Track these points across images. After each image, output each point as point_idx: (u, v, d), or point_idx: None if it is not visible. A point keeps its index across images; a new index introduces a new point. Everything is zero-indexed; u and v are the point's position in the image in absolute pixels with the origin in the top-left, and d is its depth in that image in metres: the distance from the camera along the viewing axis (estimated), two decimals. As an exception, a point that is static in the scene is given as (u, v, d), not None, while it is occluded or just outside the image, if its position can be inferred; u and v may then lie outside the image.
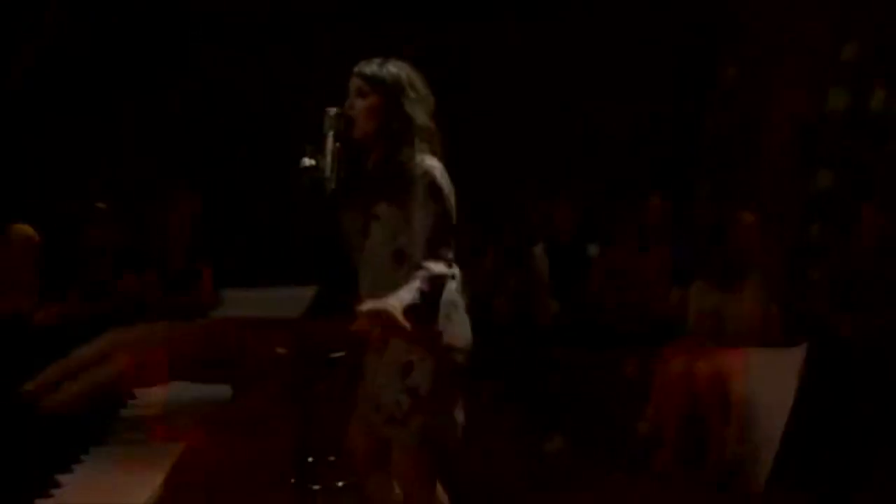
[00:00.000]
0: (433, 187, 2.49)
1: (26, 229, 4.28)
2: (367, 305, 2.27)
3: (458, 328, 2.61)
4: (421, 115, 2.59)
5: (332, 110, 2.55)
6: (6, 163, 4.98)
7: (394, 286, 2.43)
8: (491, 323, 5.34)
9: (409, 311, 2.29)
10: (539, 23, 6.26)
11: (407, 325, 2.25)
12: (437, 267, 2.44)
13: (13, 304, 4.17)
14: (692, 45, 6.12)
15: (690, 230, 4.95)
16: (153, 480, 1.73)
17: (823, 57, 5.40)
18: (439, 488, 2.68)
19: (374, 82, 2.56)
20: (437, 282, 2.44)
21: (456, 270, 2.55)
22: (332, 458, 3.39)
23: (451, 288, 2.60)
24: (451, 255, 2.50)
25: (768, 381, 4.06)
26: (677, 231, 4.91)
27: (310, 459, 3.26)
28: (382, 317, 2.23)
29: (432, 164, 2.53)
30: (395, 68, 2.58)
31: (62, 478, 1.74)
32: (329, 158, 2.52)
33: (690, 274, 4.50)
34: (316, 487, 3.26)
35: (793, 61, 5.47)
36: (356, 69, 2.59)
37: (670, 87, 6.20)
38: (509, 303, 5.40)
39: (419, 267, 2.43)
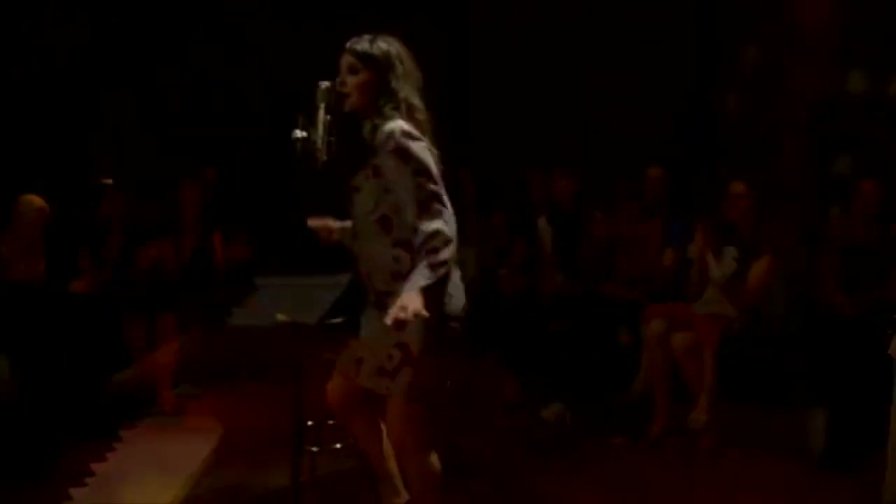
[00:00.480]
0: (398, 148, 2.53)
1: (36, 200, 4.41)
2: (391, 317, 2.40)
3: (451, 296, 2.70)
4: (407, 89, 2.67)
5: (324, 84, 2.65)
6: (22, 140, 5.12)
7: (384, 253, 2.59)
8: (497, 293, 5.46)
9: (427, 290, 2.43)
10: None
11: (426, 314, 2.38)
12: (432, 224, 2.48)
13: (25, 271, 4.32)
14: (709, 21, 6.12)
15: (689, 203, 4.99)
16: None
17: (842, 39, 5.38)
18: (432, 451, 2.78)
19: (365, 58, 2.64)
20: (438, 238, 2.48)
21: (451, 217, 2.53)
22: (330, 422, 3.50)
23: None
24: (440, 205, 2.51)
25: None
26: (676, 203, 4.96)
27: (309, 423, 3.39)
28: (410, 321, 2.38)
29: (394, 125, 2.56)
30: (384, 45, 2.66)
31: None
32: (320, 130, 2.63)
33: (685, 244, 4.58)
34: (315, 449, 3.38)
35: (811, 43, 5.43)
36: (348, 45, 2.67)
37: (685, 63, 6.20)
38: (514, 274, 5.51)
39: (414, 230, 2.51)
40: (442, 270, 2.49)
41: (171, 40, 6.36)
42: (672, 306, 4.47)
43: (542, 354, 4.92)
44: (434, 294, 2.52)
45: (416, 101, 2.69)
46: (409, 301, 2.40)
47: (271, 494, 3.55)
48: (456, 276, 2.72)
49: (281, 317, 3.53)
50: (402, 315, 2.37)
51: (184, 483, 3.76)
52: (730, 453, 4.05)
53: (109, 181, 5.06)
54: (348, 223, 2.81)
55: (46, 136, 5.60)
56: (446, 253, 2.50)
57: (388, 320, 2.39)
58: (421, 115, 2.68)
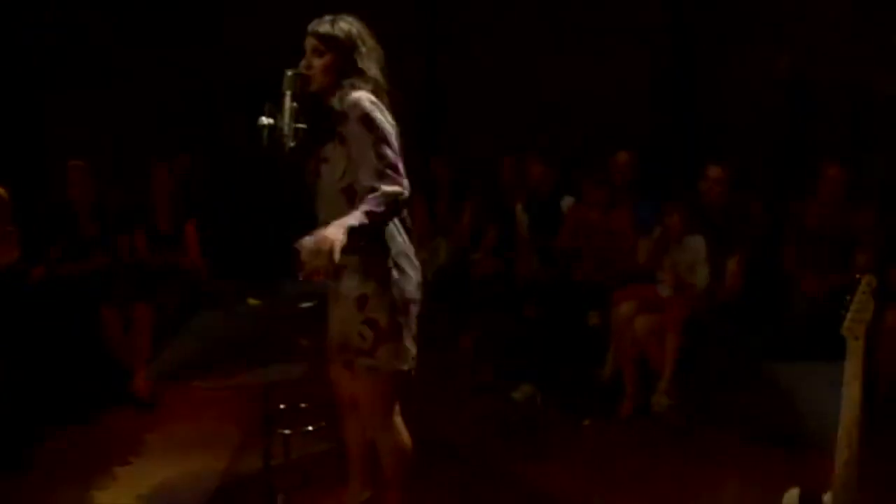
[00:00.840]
0: (363, 117, 2.59)
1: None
2: (304, 245, 2.43)
3: (409, 277, 2.75)
4: (372, 67, 2.72)
5: (290, 72, 2.68)
6: None
7: None
8: (470, 278, 5.52)
9: (354, 231, 2.45)
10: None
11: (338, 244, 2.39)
12: (392, 188, 2.55)
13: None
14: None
15: (663, 186, 5.04)
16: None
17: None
18: (403, 427, 2.85)
19: (328, 40, 2.69)
20: (390, 198, 2.54)
21: (407, 187, 2.59)
22: (302, 405, 3.55)
23: (402, 240, 2.76)
24: (399, 176, 2.57)
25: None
26: (647, 187, 5.02)
27: (282, 406, 3.43)
28: (321, 253, 2.40)
29: (358, 95, 2.63)
30: (346, 25, 2.71)
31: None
32: (287, 117, 2.65)
33: (651, 227, 4.64)
34: (287, 432, 3.42)
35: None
36: (310, 28, 2.71)
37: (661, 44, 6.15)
38: (487, 259, 5.56)
39: (370, 189, 2.56)
40: (376, 221, 2.53)
41: (147, 28, 6.31)
42: (640, 289, 4.53)
43: (514, 338, 4.98)
44: (372, 251, 2.63)
45: (381, 78, 2.75)
46: (330, 232, 2.42)
47: (245, 477, 3.59)
48: (412, 256, 2.78)
49: (252, 301, 3.59)
50: (311, 246, 2.42)
51: (159, 467, 3.81)
52: (697, 432, 4.12)
53: (79, 163, 5.01)
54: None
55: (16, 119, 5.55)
56: (389, 213, 2.58)
57: (302, 249, 2.43)
58: (384, 94, 2.74)
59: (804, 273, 4.42)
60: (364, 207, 2.52)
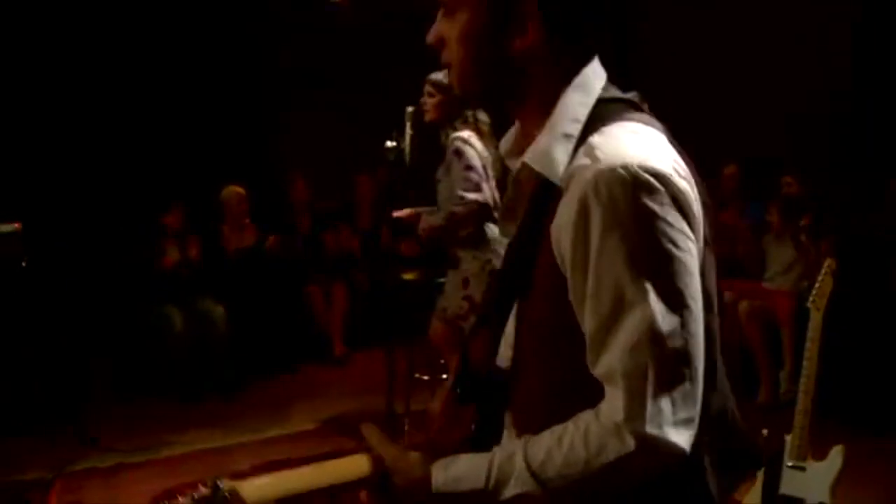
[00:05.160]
0: (456, 151, 3.63)
1: (238, 188, 5.80)
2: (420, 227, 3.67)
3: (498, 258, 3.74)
4: (472, 108, 3.70)
5: (410, 108, 3.74)
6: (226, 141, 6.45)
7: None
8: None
9: (437, 230, 3.57)
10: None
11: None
12: (469, 195, 3.58)
13: (237, 243, 5.77)
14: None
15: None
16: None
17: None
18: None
19: (439, 87, 3.70)
20: (469, 205, 3.58)
21: (476, 197, 3.59)
22: (442, 361, 4.57)
23: (494, 236, 3.72)
24: (478, 190, 3.58)
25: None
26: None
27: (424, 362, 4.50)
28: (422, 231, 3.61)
29: (459, 135, 3.65)
30: None
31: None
32: (407, 141, 3.73)
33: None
34: (425, 378, 4.47)
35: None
36: (428, 77, 3.73)
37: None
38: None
39: (456, 201, 3.61)
40: (454, 226, 3.59)
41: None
42: (743, 283, 5.10)
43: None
44: (473, 244, 3.66)
45: (482, 115, 3.72)
46: (425, 220, 3.61)
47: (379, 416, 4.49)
48: (501, 247, 3.72)
49: (408, 276, 4.64)
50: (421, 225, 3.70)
51: (339, 406, 5.02)
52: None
53: (297, 173, 6.35)
54: (424, 209, 3.90)
55: (247, 133, 6.69)
56: (466, 218, 3.58)
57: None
58: (484, 126, 3.71)
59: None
60: (444, 213, 3.63)
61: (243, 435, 4.61)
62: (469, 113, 3.69)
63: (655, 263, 1.04)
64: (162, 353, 5.19)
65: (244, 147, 6.45)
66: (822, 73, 5.72)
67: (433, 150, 3.78)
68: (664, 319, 1.04)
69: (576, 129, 1.13)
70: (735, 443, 1.21)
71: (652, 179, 1.04)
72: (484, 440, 1.26)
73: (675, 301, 1.05)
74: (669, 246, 1.04)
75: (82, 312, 4.98)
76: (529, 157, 1.16)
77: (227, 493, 1.10)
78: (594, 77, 1.19)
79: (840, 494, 2.89)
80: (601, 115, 1.14)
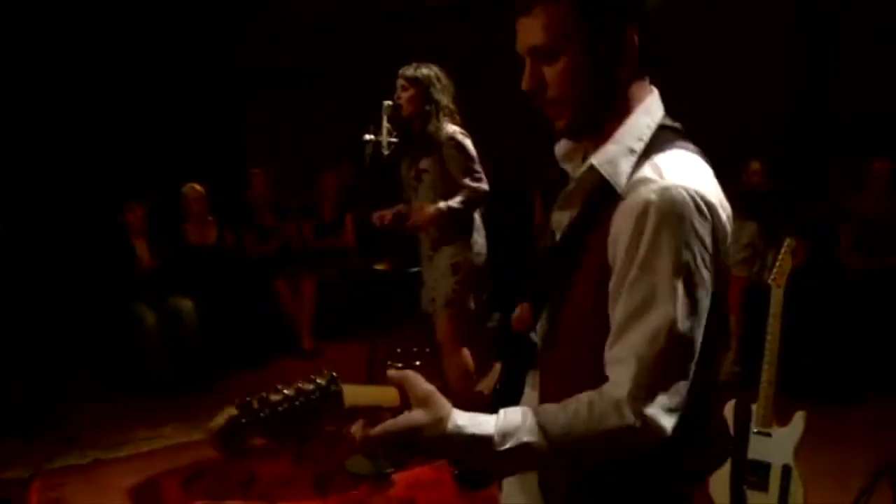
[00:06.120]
0: (457, 145, 3.77)
1: (197, 186, 5.82)
2: (412, 219, 3.73)
3: (482, 248, 3.90)
4: (445, 98, 3.83)
5: (386, 103, 3.86)
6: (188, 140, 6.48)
7: None
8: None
9: (451, 211, 3.70)
10: None
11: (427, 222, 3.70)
12: (475, 184, 3.77)
13: (199, 238, 5.81)
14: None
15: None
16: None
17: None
18: (468, 354, 3.95)
19: (412, 81, 3.82)
20: (476, 192, 3.77)
21: (485, 186, 3.80)
22: (414, 349, 4.70)
23: (479, 223, 3.89)
24: (482, 180, 3.79)
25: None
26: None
27: (398, 350, 4.61)
28: (426, 213, 3.70)
29: (452, 129, 3.79)
30: (425, 69, 3.83)
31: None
32: (384, 134, 3.84)
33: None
34: (399, 366, 4.57)
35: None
36: (400, 72, 3.85)
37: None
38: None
39: (462, 187, 3.75)
40: (466, 210, 3.75)
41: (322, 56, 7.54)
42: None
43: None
44: (462, 230, 3.82)
45: (453, 106, 3.86)
46: (431, 208, 3.69)
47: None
48: (481, 227, 3.89)
49: (379, 266, 4.75)
50: (418, 220, 3.73)
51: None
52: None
53: (258, 170, 6.39)
54: (399, 207, 4.03)
55: (209, 131, 6.69)
56: (476, 202, 3.79)
57: (413, 218, 3.75)
58: (456, 115, 3.85)
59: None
60: (459, 198, 3.74)
61: (219, 428, 4.66)
62: (445, 104, 3.82)
63: (688, 274, 1.24)
64: (135, 349, 5.21)
65: (206, 145, 6.48)
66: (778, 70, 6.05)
67: (408, 143, 3.90)
68: (683, 321, 1.24)
69: (640, 147, 1.33)
70: (713, 434, 1.45)
71: (704, 207, 1.25)
72: (506, 395, 1.48)
73: (693, 309, 1.25)
74: (701, 264, 1.25)
75: (57, 312, 4.98)
76: (597, 161, 1.33)
77: (336, 386, 1.26)
78: (657, 105, 1.39)
79: (802, 458, 3.11)
80: (660, 138, 1.34)
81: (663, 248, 1.22)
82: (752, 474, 3.12)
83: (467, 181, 3.76)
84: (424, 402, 1.26)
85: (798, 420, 3.12)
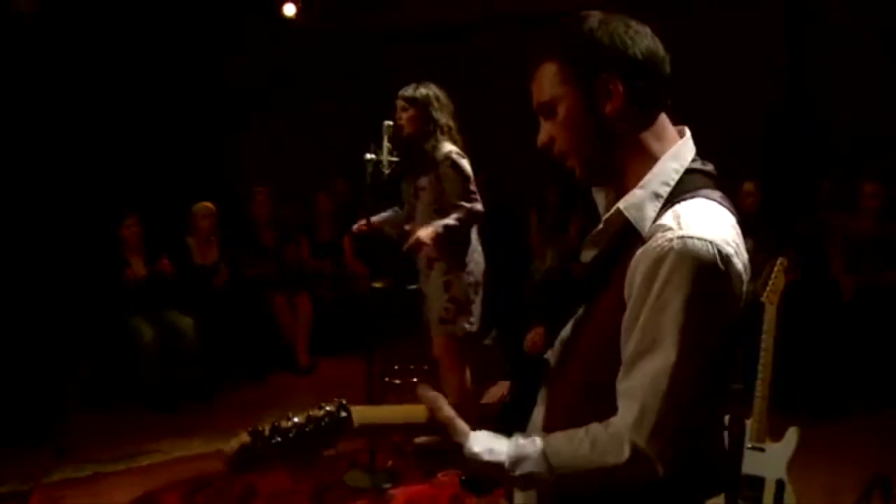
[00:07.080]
0: (453, 164, 3.82)
1: (208, 205, 5.90)
2: (412, 239, 3.73)
3: (479, 268, 3.94)
4: (444, 118, 3.89)
5: (387, 123, 3.92)
6: (193, 157, 6.55)
7: None
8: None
9: (447, 229, 3.72)
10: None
11: (429, 243, 3.68)
12: (469, 205, 3.82)
13: (204, 258, 5.86)
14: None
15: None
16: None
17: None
18: (468, 375, 3.99)
19: (411, 101, 3.89)
20: (471, 212, 3.82)
21: (480, 207, 3.86)
22: (411, 367, 4.76)
23: (475, 242, 3.94)
24: (477, 200, 3.83)
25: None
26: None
27: (395, 367, 4.66)
28: (422, 243, 3.70)
29: (449, 148, 3.85)
30: (424, 89, 3.90)
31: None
32: (385, 153, 3.90)
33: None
34: (397, 382, 4.64)
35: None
36: (399, 93, 3.92)
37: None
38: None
39: (457, 207, 3.81)
40: (461, 228, 3.78)
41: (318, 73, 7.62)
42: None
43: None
44: (455, 249, 3.84)
45: (453, 124, 3.92)
46: (427, 230, 3.71)
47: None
48: (479, 247, 3.93)
49: (377, 284, 4.81)
50: (420, 238, 3.70)
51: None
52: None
53: (260, 188, 6.44)
54: (385, 214, 4.11)
55: (208, 148, 6.82)
56: (471, 222, 3.85)
57: (410, 242, 3.74)
58: (457, 135, 3.91)
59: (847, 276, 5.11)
60: (455, 216, 3.79)
61: (218, 442, 4.70)
62: (444, 123, 3.88)
63: (695, 324, 1.28)
64: (133, 364, 5.24)
65: (205, 163, 6.55)
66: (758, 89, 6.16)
67: (408, 162, 3.97)
68: (681, 368, 1.28)
69: (665, 191, 1.39)
70: (713, 469, 1.50)
71: (719, 259, 1.29)
72: (515, 412, 1.54)
73: (697, 358, 1.29)
74: (710, 316, 1.30)
75: (55, 324, 5.01)
76: (624, 205, 1.39)
77: (345, 412, 1.34)
78: (686, 150, 1.44)
79: (796, 473, 3.16)
80: (687, 183, 1.40)
81: (675, 294, 1.28)
82: (746, 489, 3.17)
83: (462, 202, 3.82)
84: (444, 426, 1.36)
85: (791, 435, 3.18)
